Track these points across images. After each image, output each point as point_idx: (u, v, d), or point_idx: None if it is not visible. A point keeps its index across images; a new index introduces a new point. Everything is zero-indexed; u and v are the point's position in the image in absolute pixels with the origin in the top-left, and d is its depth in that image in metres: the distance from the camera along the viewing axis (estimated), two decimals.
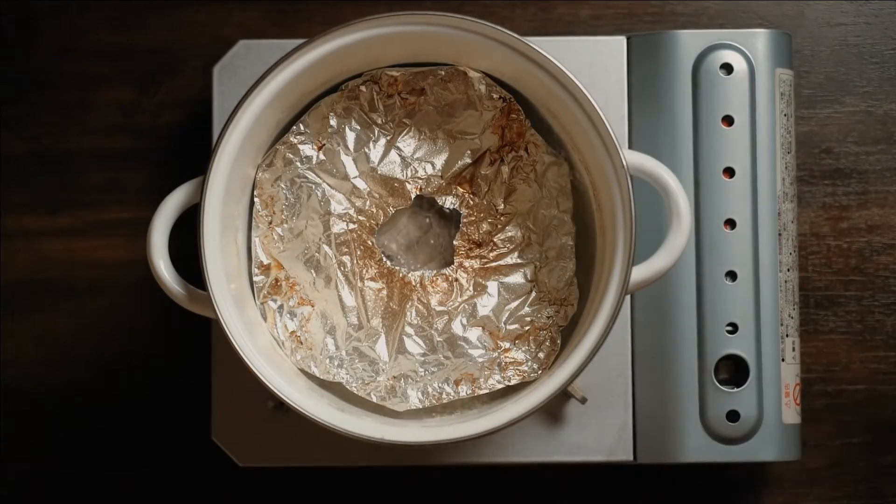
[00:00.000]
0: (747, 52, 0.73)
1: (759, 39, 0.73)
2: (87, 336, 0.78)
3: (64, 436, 0.78)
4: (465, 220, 0.71)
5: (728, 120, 0.73)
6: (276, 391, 0.65)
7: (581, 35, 0.77)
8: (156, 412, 0.78)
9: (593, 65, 0.74)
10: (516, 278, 0.70)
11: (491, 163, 0.70)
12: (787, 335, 0.73)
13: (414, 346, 0.70)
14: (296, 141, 0.70)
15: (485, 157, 0.70)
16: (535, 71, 0.66)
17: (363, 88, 0.70)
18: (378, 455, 0.73)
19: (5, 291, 0.78)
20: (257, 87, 0.66)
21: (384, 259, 0.71)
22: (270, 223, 0.70)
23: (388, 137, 0.70)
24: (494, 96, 0.69)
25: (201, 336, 0.74)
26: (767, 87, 0.73)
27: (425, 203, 0.71)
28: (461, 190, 0.71)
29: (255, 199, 0.69)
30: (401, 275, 0.70)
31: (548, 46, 0.66)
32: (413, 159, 0.71)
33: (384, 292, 0.70)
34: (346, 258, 0.70)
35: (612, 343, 0.73)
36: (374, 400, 0.68)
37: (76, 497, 0.78)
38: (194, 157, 0.77)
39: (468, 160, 0.70)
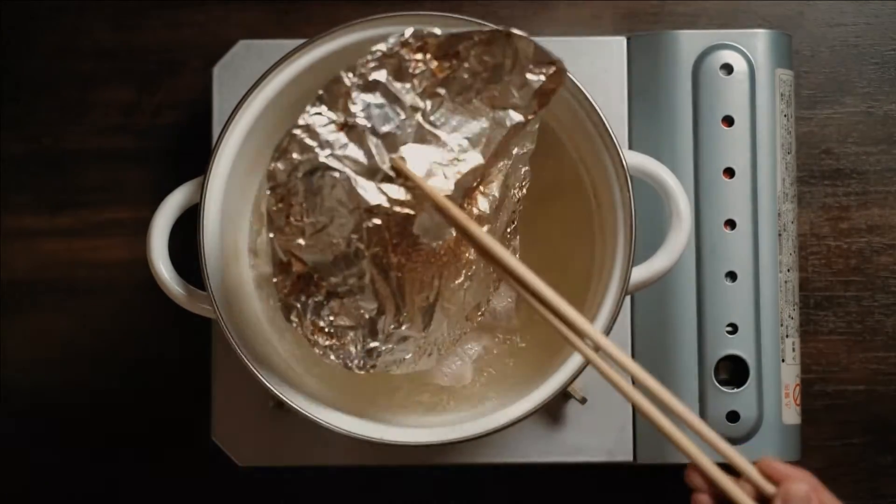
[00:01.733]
0: (747, 52, 0.73)
1: (759, 39, 0.73)
2: (87, 336, 0.78)
3: (64, 436, 0.78)
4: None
5: (728, 120, 0.73)
6: (276, 391, 0.65)
7: (581, 35, 0.77)
8: (156, 412, 0.78)
9: (593, 65, 0.74)
10: None
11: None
12: (787, 336, 0.73)
13: (450, 323, 0.67)
14: (313, 123, 0.61)
15: (519, 130, 0.64)
16: None
17: (388, 54, 0.61)
18: (378, 455, 0.73)
19: (5, 291, 0.78)
20: (257, 87, 0.66)
21: (424, 242, 0.63)
22: (288, 218, 0.62)
23: (420, 113, 0.62)
24: (544, 60, 0.62)
25: (201, 336, 0.74)
26: (767, 88, 0.73)
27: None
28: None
29: (269, 193, 0.61)
30: (428, 249, 0.64)
31: (548, 46, 0.66)
32: (449, 137, 0.63)
33: (419, 269, 0.64)
34: (377, 249, 0.62)
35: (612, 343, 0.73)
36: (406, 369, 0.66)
37: (77, 497, 0.78)
38: (194, 157, 0.77)
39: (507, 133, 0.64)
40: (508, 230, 0.67)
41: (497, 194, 0.65)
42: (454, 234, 0.64)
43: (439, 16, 0.66)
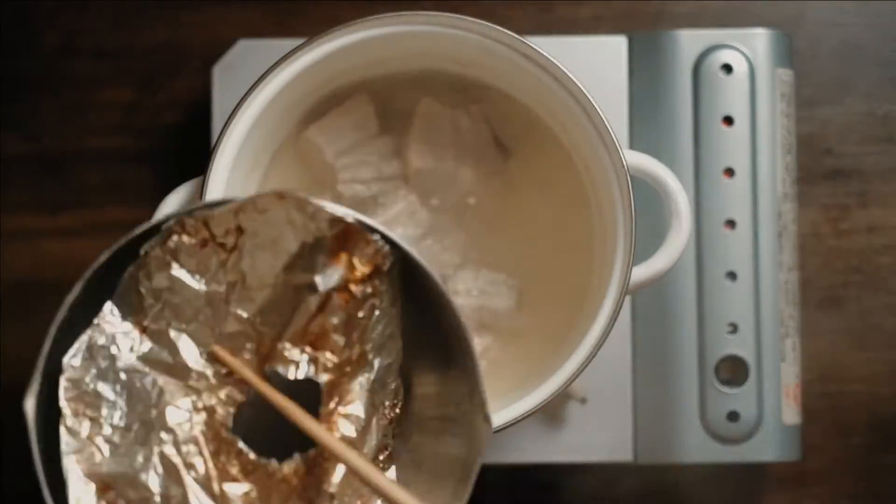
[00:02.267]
0: (747, 52, 0.73)
1: (759, 39, 0.73)
2: None
3: None
4: (326, 386, 0.58)
5: (728, 120, 0.73)
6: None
7: (581, 35, 0.77)
8: None
9: (593, 65, 0.74)
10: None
11: (343, 304, 0.57)
12: (787, 335, 0.73)
13: None
14: (114, 331, 0.56)
15: (331, 299, 0.57)
16: (535, 71, 0.66)
17: (171, 247, 0.56)
18: None
19: (5, 291, 0.78)
20: (257, 87, 0.66)
21: (246, 451, 0.57)
22: (89, 434, 0.56)
23: (220, 302, 0.57)
24: (325, 217, 0.56)
25: None
26: (768, 88, 0.73)
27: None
28: (314, 350, 0.58)
29: (63, 407, 0.56)
30: (272, 469, 0.57)
31: (548, 46, 0.66)
32: (257, 323, 0.57)
33: (254, 493, 0.57)
34: (196, 459, 0.56)
35: (612, 343, 0.72)
36: None
37: None
38: (194, 157, 0.77)
39: (314, 308, 0.57)
40: (381, 457, 0.59)
41: (363, 416, 0.58)
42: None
43: (439, 16, 0.66)
